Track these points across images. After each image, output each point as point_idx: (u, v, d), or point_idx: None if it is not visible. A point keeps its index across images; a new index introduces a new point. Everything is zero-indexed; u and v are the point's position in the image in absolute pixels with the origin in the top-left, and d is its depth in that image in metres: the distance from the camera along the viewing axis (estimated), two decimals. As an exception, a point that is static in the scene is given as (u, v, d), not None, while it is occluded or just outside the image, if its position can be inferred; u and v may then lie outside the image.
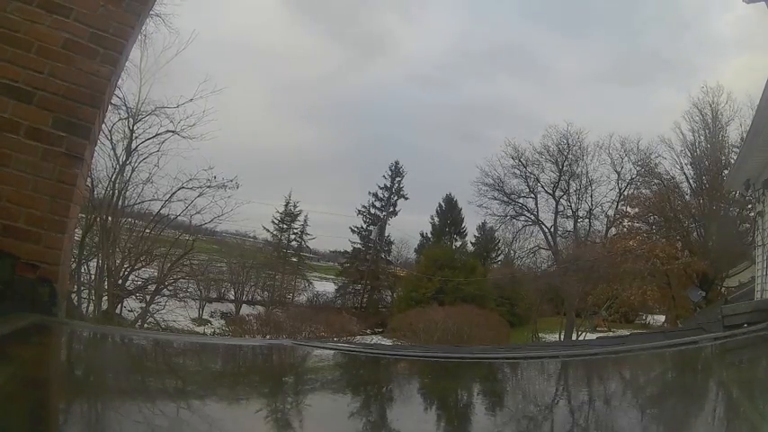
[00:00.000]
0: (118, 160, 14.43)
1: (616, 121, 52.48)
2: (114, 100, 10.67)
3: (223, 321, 24.37)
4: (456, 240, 35.13)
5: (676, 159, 24.79)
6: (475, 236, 35.46)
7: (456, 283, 28.07)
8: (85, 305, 13.25)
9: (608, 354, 2.73)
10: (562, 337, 22.06)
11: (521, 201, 29.10)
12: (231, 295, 28.25)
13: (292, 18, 52.80)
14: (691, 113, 24.39)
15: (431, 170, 50.47)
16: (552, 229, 28.45)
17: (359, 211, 33.94)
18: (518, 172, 28.75)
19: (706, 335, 3.04)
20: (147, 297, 15.83)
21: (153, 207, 15.92)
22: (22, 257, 2.07)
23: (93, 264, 14.14)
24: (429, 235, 35.22)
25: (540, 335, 22.88)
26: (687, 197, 24.51)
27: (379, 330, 27.02)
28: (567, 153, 28.11)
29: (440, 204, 35.37)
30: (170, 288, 16.84)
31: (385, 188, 34.13)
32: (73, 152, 2.17)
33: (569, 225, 28.78)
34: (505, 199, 28.98)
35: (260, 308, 26.87)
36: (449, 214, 35.15)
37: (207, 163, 15.59)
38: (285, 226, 33.93)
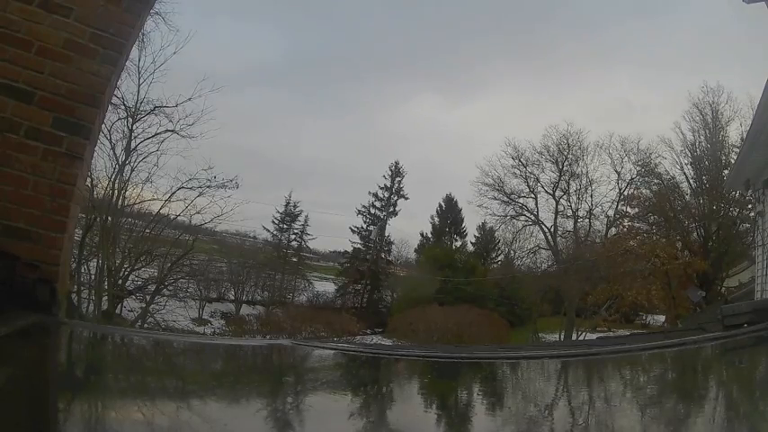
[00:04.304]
0: (117, 160, 14.46)
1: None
2: (113, 99, 10.66)
3: (223, 321, 24.38)
4: (456, 240, 35.17)
5: (676, 159, 24.80)
6: (475, 236, 35.46)
7: (456, 283, 28.06)
8: (85, 305, 13.25)
9: (608, 354, 2.73)
10: (562, 337, 22.05)
11: (521, 201, 29.05)
12: (231, 295, 28.23)
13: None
14: (691, 113, 24.40)
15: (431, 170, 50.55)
16: (552, 229, 28.39)
17: (359, 211, 33.98)
18: (518, 172, 28.72)
19: (706, 335, 3.04)
20: (147, 297, 15.83)
21: (153, 207, 15.96)
22: (22, 257, 2.07)
23: (93, 264, 14.14)
24: (429, 235, 35.25)
25: (540, 335, 22.88)
26: (687, 197, 24.50)
27: (379, 330, 27.03)
28: (567, 153, 28.06)
29: (440, 204, 35.42)
30: (170, 288, 16.86)
31: (385, 188, 34.16)
32: (73, 152, 2.18)
33: (569, 225, 28.70)
34: (505, 199, 28.93)
35: (260, 308, 26.88)
36: (449, 214, 35.14)
37: (206, 162, 15.65)
38: (285, 226, 33.94)
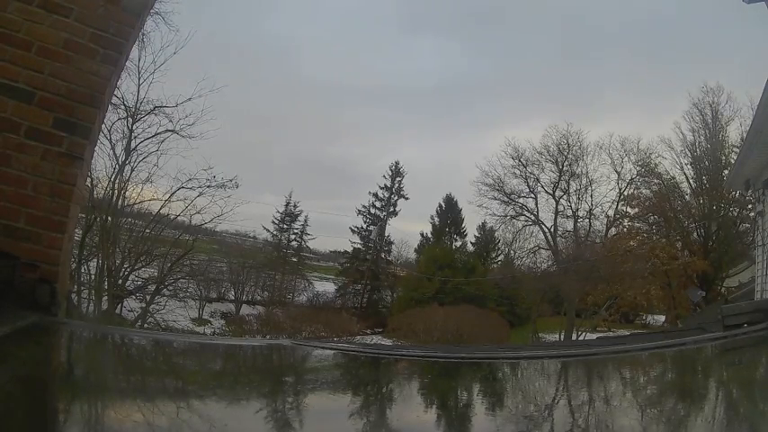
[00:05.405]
0: (117, 160, 14.41)
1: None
2: (113, 99, 10.66)
3: (223, 321, 24.39)
4: (456, 240, 35.15)
5: (676, 159, 24.83)
6: (475, 236, 35.46)
7: (456, 283, 28.06)
8: (85, 305, 13.23)
9: (608, 354, 2.73)
10: (562, 337, 22.05)
11: (521, 201, 29.04)
12: (231, 295, 28.24)
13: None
14: (691, 113, 24.44)
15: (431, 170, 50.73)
16: (552, 229, 28.38)
17: (359, 211, 34.00)
18: (518, 172, 28.70)
19: (706, 335, 3.04)
20: (147, 297, 15.82)
21: (153, 207, 15.95)
22: (22, 257, 2.07)
23: (93, 264, 14.12)
24: (429, 235, 35.26)
25: (540, 335, 22.88)
26: (687, 197, 24.52)
27: (379, 330, 27.03)
28: (567, 153, 28.05)
29: (440, 204, 35.42)
30: (170, 288, 16.85)
31: (385, 188, 34.17)
32: (73, 152, 2.18)
33: (569, 225, 28.69)
34: (505, 199, 28.90)
35: (260, 308, 26.88)
36: (449, 214, 35.13)
37: (206, 162, 15.65)
38: (285, 226, 33.94)
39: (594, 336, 15.40)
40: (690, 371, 2.49)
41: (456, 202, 35.01)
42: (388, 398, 1.84)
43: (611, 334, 16.00)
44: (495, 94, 49.77)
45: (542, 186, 28.53)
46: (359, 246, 33.81)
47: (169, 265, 16.08)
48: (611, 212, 27.68)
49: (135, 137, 14.72)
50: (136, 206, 15.89)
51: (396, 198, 34.18)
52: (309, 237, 34.59)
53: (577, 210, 28.15)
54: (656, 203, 24.35)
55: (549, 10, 44.21)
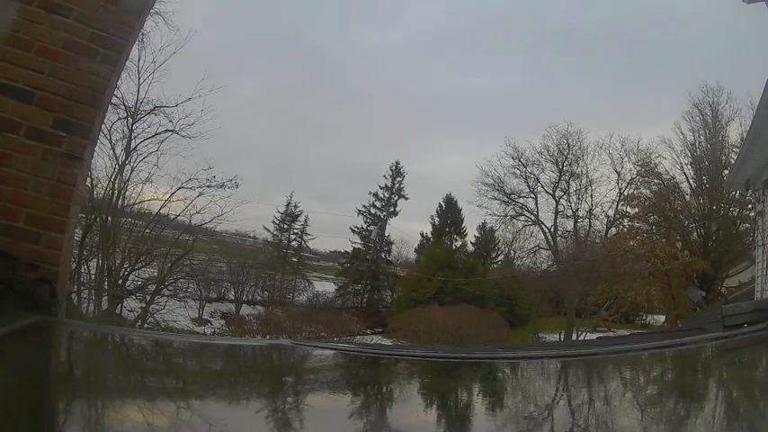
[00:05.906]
0: (117, 160, 14.41)
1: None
2: (113, 99, 10.65)
3: (223, 321, 24.40)
4: (456, 240, 35.14)
5: (676, 159, 24.79)
6: (475, 236, 35.46)
7: (456, 283, 28.07)
8: (85, 305, 13.23)
9: (608, 354, 2.73)
10: (562, 337, 22.05)
11: (521, 201, 29.00)
12: (231, 295, 28.24)
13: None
14: (691, 113, 24.42)
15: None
16: (552, 229, 28.34)
17: (359, 211, 34.00)
18: (518, 172, 28.64)
19: (706, 335, 3.04)
20: (147, 297, 15.83)
21: (153, 207, 15.95)
22: (22, 257, 2.07)
23: (93, 264, 14.12)
24: (429, 235, 35.26)
25: (540, 335, 22.88)
26: (687, 197, 24.50)
27: (379, 330, 27.04)
28: (567, 153, 27.99)
29: (440, 204, 35.42)
30: (170, 288, 16.86)
31: (385, 188, 34.17)
32: (73, 152, 2.18)
33: (569, 225, 28.64)
34: (505, 199, 28.85)
35: (260, 308, 26.88)
36: (449, 214, 35.13)
37: (207, 162, 15.67)
38: (285, 226, 33.95)
39: (594, 336, 15.39)
40: (690, 371, 2.49)
41: (456, 202, 35.05)
42: (388, 398, 1.84)
43: (611, 334, 15.99)
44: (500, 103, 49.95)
45: (542, 186, 28.51)
46: (359, 246, 33.82)
47: (169, 265, 16.09)
48: (611, 212, 27.66)
49: (135, 137, 14.74)
50: (136, 206, 15.91)
51: (396, 198, 34.23)
52: (309, 237, 34.65)
53: (577, 210, 28.13)
54: (656, 203, 24.34)
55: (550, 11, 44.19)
